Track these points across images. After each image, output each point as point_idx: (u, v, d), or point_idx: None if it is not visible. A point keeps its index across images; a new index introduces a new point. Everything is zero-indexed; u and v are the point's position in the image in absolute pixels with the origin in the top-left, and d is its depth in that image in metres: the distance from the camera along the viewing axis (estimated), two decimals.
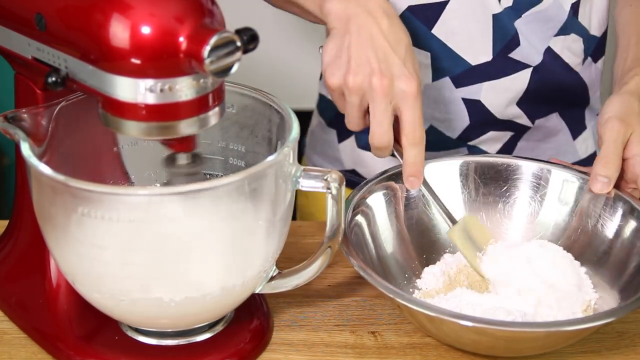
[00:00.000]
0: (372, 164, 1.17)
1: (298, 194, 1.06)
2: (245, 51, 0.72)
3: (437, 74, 1.10)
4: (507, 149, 1.16)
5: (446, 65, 1.09)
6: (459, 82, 1.10)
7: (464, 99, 1.11)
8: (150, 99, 0.72)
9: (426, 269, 0.95)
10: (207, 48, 0.70)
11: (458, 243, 0.94)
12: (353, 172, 1.21)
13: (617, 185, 0.94)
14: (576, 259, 0.94)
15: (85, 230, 0.75)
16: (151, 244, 0.76)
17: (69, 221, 0.76)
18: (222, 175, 0.90)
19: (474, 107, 1.12)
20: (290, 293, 0.89)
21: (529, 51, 1.09)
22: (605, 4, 1.13)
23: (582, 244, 0.95)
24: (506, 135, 1.15)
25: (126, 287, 0.77)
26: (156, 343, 0.84)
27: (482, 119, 1.13)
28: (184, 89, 0.72)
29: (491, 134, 1.14)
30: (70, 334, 0.85)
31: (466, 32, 1.07)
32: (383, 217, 0.95)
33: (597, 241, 0.95)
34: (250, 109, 0.87)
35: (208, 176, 0.91)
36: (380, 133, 0.90)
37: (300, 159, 1.29)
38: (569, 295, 0.89)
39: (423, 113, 0.91)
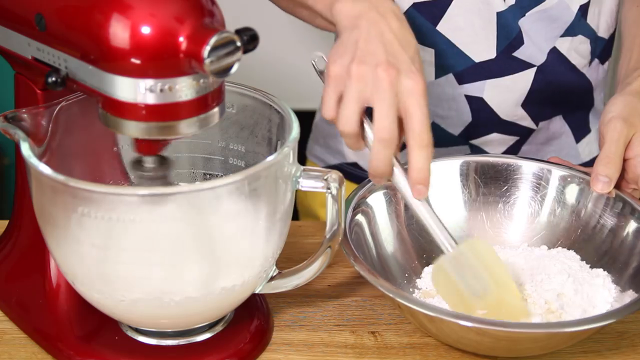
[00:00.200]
0: None
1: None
2: (245, 51, 0.72)
3: (440, 71, 1.10)
4: (510, 152, 1.16)
5: (450, 62, 1.09)
6: (462, 79, 1.10)
7: (466, 96, 1.11)
8: (150, 99, 0.72)
9: (426, 268, 0.95)
10: (207, 48, 0.70)
11: (438, 286, 0.87)
12: (355, 165, 1.21)
13: (617, 186, 0.94)
14: None
15: (85, 230, 0.75)
16: (151, 244, 0.76)
17: (69, 221, 0.76)
18: (222, 175, 0.90)
19: (477, 104, 1.12)
20: (290, 293, 0.89)
21: (533, 50, 1.09)
22: (615, 6, 1.12)
23: (583, 244, 0.95)
24: (511, 139, 1.15)
25: (126, 287, 0.77)
26: (156, 343, 0.84)
27: (485, 117, 1.13)
28: (184, 89, 0.72)
29: (495, 135, 1.14)
30: (70, 334, 0.85)
31: (470, 28, 1.08)
32: (383, 216, 0.95)
33: (598, 241, 0.95)
34: (250, 109, 0.87)
35: (208, 176, 0.91)
36: (387, 124, 0.81)
37: (303, 157, 1.29)
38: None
39: None
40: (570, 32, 1.10)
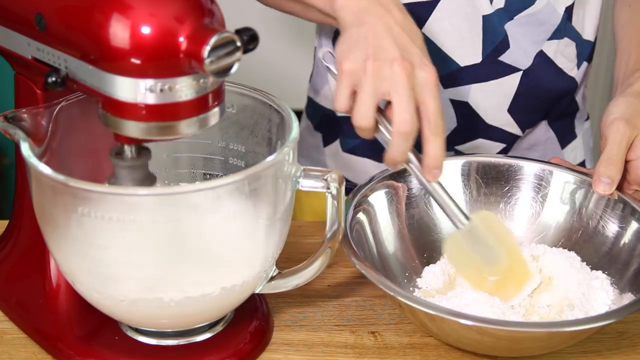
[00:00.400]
0: (359, 168, 1.16)
1: None
2: (245, 51, 0.72)
3: None
4: None
5: (435, 65, 1.08)
6: (447, 83, 1.10)
7: (451, 100, 1.11)
8: (150, 99, 0.72)
9: (427, 268, 0.95)
10: (207, 48, 0.70)
11: (452, 258, 0.91)
12: None
13: (619, 187, 0.94)
14: None
15: (85, 230, 0.75)
16: (151, 244, 0.76)
17: (69, 221, 0.76)
18: (222, 175, 0.90)
19: (462, 109, 1.11)
20: (290, 293, 0.89)
21: (518, 55, 1.09)
22: (599, 8, 1.12)
23: (584, 245, 0.95)
24: (497, 146, 1.15)
25: (126, 287, 0.77)
26: (156, 343, 0.84)
27: (470, 122, 1.12)
28: (184, 89, 0.72)
29: (480, 141, 1.14)
30: (70, 334, 0.85)
31: (456, 32, 1.07)
32: (384, 215, 0.95)
33: (598, 242, 0.95)
34: (250, 109, 0.87)
35: (208, 176, 0.91)
36: (407, 117, 0.83)
37: None
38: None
39: None
40: (556, 35, 1.09)
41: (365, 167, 1.15)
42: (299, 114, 0.85)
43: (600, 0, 1.12)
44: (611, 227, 0.94)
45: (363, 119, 0.85)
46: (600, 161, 0.94)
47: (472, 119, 1.11)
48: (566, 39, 1.11)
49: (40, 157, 0.77)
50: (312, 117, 1.22)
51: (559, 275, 0.90)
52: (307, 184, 0.82)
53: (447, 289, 0.91)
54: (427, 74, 0.85)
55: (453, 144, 1.13)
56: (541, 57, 1.10)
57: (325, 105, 1.19)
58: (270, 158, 0.77)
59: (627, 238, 0.92)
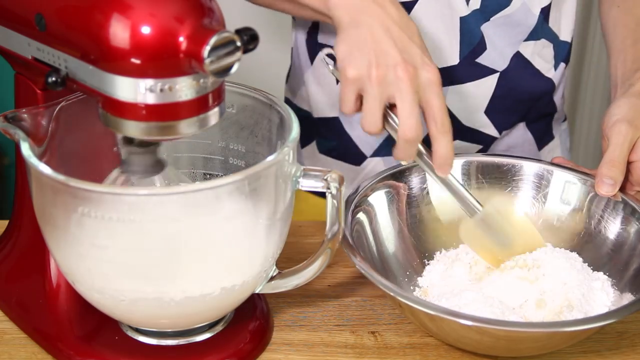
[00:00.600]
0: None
1: None
2: (245, 51, 0.72)
3: None
4: None
5: None
6: None
7: None
8: (150, 99, 0.72)
9: (428, 267, 0.95)
10: (207, 48, 0.70)
11: (470, 242, 0.94)
12: None
13: (622, 188, 0.94)
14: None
15: (85, 230, 0.75)
16: (151, 244, 0.76)
17: (69, 221, 0.76)
18: (222, 175, 0.90)
19: None
20: (290, 293, 0.89)
21: (495, 56, 1.08)
22: (574, 9, 1.12)
23: (584, 245, 0.95)
24: (474, 147, 1.15)
25: (126, 287, 0.77)
26: (156, 343, 0.84)
27: None
28: (184, 89, 0.72)
29: (457, 143, 1.13)
30: (70, 334, 0.85)
31: (434, 34, 1.06)
32: (384, 215, 0.95)
33: (599, 242, 0.95)
34: (250, 109, 0.87)
35: (208, 176, 0.91)
36: (412, 123, 0.85)
37: None
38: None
39: None
40: (533, 36, 1.09)
41: (341, 169, 1.14)
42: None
43: (575, 1, 1.12)
44: (611, 227, 0.94)
45: (371, 125, 0.87)
46: (602, 163, 0.94)
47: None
48: (543, 40, 1.11)
49: (40, 157, 0.77)
50: None
51: (560, 276, 0.90)
52: (307, 184, 0.82)
53: (449, 287, 0.91)
54: (430, 74, 0.86)
55: (430, 145, 1.13)
56: (518, 58, 1.10)
57: (302, 106, 1.18)
58: (270, 158, 0.77)
59: (627, 238, 0.92)
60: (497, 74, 1.09)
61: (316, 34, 1.12)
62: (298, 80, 1.18)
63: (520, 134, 1.17)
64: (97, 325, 0.86)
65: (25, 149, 0.76)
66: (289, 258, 0.94)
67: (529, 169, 0.99)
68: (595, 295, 0.89)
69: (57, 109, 0.81)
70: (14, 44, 0.80)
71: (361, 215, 0.93)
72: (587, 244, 0.95)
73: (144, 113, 0.73)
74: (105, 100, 0.73)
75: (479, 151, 1.15)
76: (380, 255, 0.93)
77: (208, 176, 0.91)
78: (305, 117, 1.18)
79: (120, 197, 0.74)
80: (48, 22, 0.75)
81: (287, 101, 1.21)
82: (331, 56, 0.90)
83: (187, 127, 0.74)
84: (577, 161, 1.02)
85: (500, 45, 1.08)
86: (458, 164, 0.99)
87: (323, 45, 1.12)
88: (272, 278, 0.85)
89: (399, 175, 0.96)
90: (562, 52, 1.14)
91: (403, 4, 1.04)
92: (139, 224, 0.75)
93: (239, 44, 0.71)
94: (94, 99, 0.75)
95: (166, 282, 0.77)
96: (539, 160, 1.00)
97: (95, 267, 0.77)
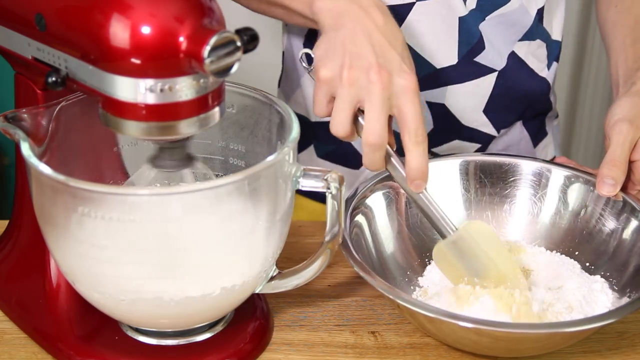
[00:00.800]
0: None
1: None
2: (245, 51, 0.72)
3: None
4: None
5: None
6: (423, 86, 1.07)
7: (428, 102, 1.10)
8: (150, 99, 0.72)
9: (428, 267, 0.95)
10: (207, 48, 0.70)
11: (440, 265, 0.90)
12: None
13: (623, 188, 0.94)
14: (577, 259, 0.94)
15: (85, 230, 0.75)
16: (151, 244, 0.76)
17: (69, 221, 0.76)
18: (222, 175, 0.90)
19: (438, 111, 1.10)
20: (290, 293, 0.89)
21: (493, 55, 1.08)
22: (564, 8, 1.13)
23: (584, 245, 0.95)
24: (473, 146, 1.15)
25: (126, 287, 0.77)
26: (156, 343, 0.84)
27: (446, 124, 1.11)
28: (184, 89, 0.72)
29: (456, 142, 1.13)
30: (70, 334, 0.85)
31: (433, 34, 1.06)
32: (383, 216, 0.95)
33: (598, 241, 0.95)
34: (250, 109, 0.87)
35: (208, 176, 0.91)
36: (377, 129, 0.83)
37: None
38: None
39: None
40: (528, 36, 1.09)
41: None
42: (299, 114, 0.85)
43: (565, 0, 1.12)
44: (611, 226, 0.94)
45: (339, 127, 0.85)
46: (603, 162, 0.94)
47: (449, 120, 1.11)
48: (538, 41, 1.11)
49: (40, 157, 0.77)
50: None
51: (559, 280, 0.90)
52: (307, 184, 0.82)
53: (451, 286, 0.91)
54: (406, 81, 0.83)
55: (429, 146, 1.13)
56: (513, 58, 1.10)
57: (297, 110, 1.18)
58: (270, 158, 0.77)
59: (627, 237, 0.92)
60: (496, 73, 1.09)
61: (314, 38, 1.12)
62: (292, 84, 1.17)
63: (518, 132, 1.17)
64: (97, 325, 0.86)
65: (25, 149, 0.76)
66: (289, 258, 0.94)
67: (527, 168, 0.99)
68: (595, 297, 0.89)
69: (57, 109, 0.81)
70: (14, 44, 0.80)
71: (360, 218, 0.93)
72: (587, 244, 0.95)
73: (144, 113, 0.73)
74: (105, 100, 0.73)
75: (477, 150, 1.15)
76: (379, 256, 0.93)
77: (208, 176, 0.91)
78: (301, 122, 1.17)
79: (120, 197, 0.74)
80: (48, 22, 0.75)
81: None
82: (309, 57, 0.89)
83: (187, 127, 0.74)
84: (577, 161, 1.02)
85: (498, 44, 1.08)
86: (455, 163, 0.99)
87: None
88: (272, 278, 0.85)
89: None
90: (554, 52, 1.14)
91: (402, 5, 1.04)
92: (139, 224, 0.75)
93: (239, 44, 0.71)
94: (94, 99, 0.75)
95: (166, 282, 0.77)
96: (538, 159, 1.00)
97: (95, 267, 0.77)
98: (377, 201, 0.95)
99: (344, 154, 1.15)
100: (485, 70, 1.09)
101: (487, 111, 1.11)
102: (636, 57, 1.04)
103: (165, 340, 0.84)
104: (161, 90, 0.72)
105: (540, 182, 0.99)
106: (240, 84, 0.87)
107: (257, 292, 0.85)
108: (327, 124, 1.13)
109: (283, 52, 1.18)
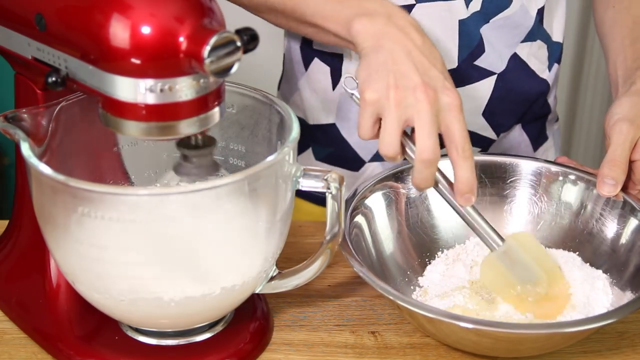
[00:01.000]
0: None
1: None
2: (245, 51, 0.72)
3: None
4: None
5: None
6: None
7: None
8: (150, 99, 0.72)
9: (429, 267, 0.95)
10: (207, 48, 0.70)
11: (487, 277, 0.90)
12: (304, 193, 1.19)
13: (624, 187, 0.94)
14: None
15: (85, 230, 0.75)
16: (151, 244, 0.76)
17: (69, 221, 0.76)
18: (222, 175, 0.90)
19: None
20: (290, 293, 0.89)
21: (493, 58, 1.08)
22: (564, 10, 1.12)
23: (583, 244, 0.95)
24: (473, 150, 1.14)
25: (126, 287, 0.77)
26: (156, 343, 0.84)
27: None
28: (184, 89, 0.72)
29: None
30: (70, 334, 0.85)
31: (432, 37, 1.05)
32: (383, 217, 0.95)
33: (598, 241, 0.95)
34: (250, 109, 0.87)
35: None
36: (430, 145, 0.83)
37: None
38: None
39: None
40: (530, 37, 1.09)
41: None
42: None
43: (565, 2, 1.12)
44: (611, 226, 0.94)
45: (389, 148, 0.85)
46: (604, 162, 0.94)
47: None
48: (539, 41, 1.11)
49: (40, 157, 0.77)
50: None
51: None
52: (307, 184, 0.82)
53: (450, 287, 0.91)
54: (451, 99, 0.84)
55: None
56: (515, 60, 1.10)
57: (295, 113, 1.17)
58: (270, 158, 0.77)
59: (627, 237, 0.92)
60: (495, 76, 1.09)
61: (311, 40, 1.12)
62: (291, 87, 1.17)
63: (517, 136, 1.17)
64: (97, 325, 0.86)
65: (25, 149, 0.76)
66: (289, 258, 0.94)
67: (527, 168, 0.99)
68: (596, 296, 0.89)
69: (57, 109, 0.81)
70: (14, 44, 0.80)
71: (359, 218, 0.93)
72: (587, 243, 0.95)
73: (144, 113, 0.73)
74: (105, 100, 0.73)
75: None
76: (379, 256, 0.93)
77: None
78: (299, 125, 1.17)
79: (120, 197, 0.74)
80: (48, 22, 0.75)
81: None
82: (350, 82, 0.89)
83: (187, 127, 0.74)
84: (577, 161, 1.02)
85: (499, 47, 1.08)
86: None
87: (318, 52, 1.11)
88: (272, 278, 0.85)
89: (397, 176, 0.96)
90: (556, 53, 1.14)
91: (402, 7, 1.04)
92: (139, 224, 0.75)
93: (239, 44, 0.71)
94: (94, 99, 0.75)
95: (166, 282, 0.77)
96: (537, 159, 1.00)
97: (95, 267, 0.77)
98: (376, 201, 0.95)
99: (342, 156, 1.15)
100: (485, 73, 1.09)
101: (486, 114, 1.11)
102: (635, 56, 1.03)
103: (165, 340, 0.84)
104: (161, 90, 0.72)
105: (540, 182, 0.99)
106: (240, 84, 0.87)
107: (257, 292, 0.85)
108: (325, 126, 1.13)
109: (284, 54, 1.18)
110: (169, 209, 0.75)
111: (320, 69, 1.11)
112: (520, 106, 1.14)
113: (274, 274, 0.85)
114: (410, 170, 0.95)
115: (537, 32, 1.10)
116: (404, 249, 0.96)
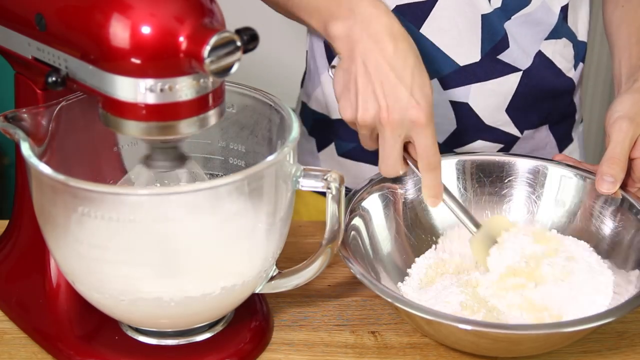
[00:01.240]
0: (355, 172, 1.15)
1: None
2: (245, 51, 0.72)
3: None
4: None
5: (435, 66, 1.08)
6: (446, 84, 1.09)
7: (451, 102, 1.10)
8: (150, 99, 0.72)
9: (417, 259, 0.95)
10: (207, 48, 0.70)
11: (477, 256, 0.93)
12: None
13: (623, 185, 0.94)
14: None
15: (85, 230, 0.75)
16: (151, 244, 0.76)
17: (69, 221, 0.76)
18: (222, 175, 0.90)
19: (462, 110, 1.10)
20: (290, 293, 0.89)
21: (519, 54, 1.08)
22: (588, 10, 1.13)
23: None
24: (496, 147, 1.15)
25: (126, 287, 0.77)
26: (156, 343, 0.84)
27: (470, 124, 1.11)
28: (184, 88, 0.72)
29: (479, 143, 1.13)
30: (70, 334, 0.85)
31: (455, 30, 1.06)
32: (380, 218, 0.95)
33: (597, 239, 0.95)
34: (250, 109, 0.87)
35: (208, 176, 0.91)
36: (388, 165, 0.91)
37: None
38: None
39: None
40: (554, 34, 1.09)
41: (361, 171, 1.14)
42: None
43: (589, 3, 1.12)
44: (610, 224, 0.94)
45: (368, 149, 0.94)
46: (603, 160, 0.94)
47: (472, 120, 1.11)
48: (564, 39, 1.11)
49: (40, 157, 0.77)
50: (306, 122, 1.21)
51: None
52: (307, 184, 0.82)
53: (435, 278, 0.92)
54: (415, 116, 0.88)
55: (452, 146, 1.13)
56: (540, 57, 1.10)
57: (317, 109, 1.18)
58: (270, 158, 0.77)
59: (625, 234, 0.92)
60: (520, 72, 1.09)
61: None
62: (313, 83, 1.18)
63: (544, 136, 1.17)
64: (97, 325, 0.86)
65: (25, 149, 0.76)
66: (289, 258, 0.94)
67: (524, 166, 0.99)
68: (596, 296, 0.89)
69: (57, 109, 0.81)
70: (14, 44, 0.80)
71: (357, 220, 0.93)
72: (586, 241, 0.95)
73: (144, 113, 0.73)
74: (106, 100, 0.73)
75: (500, 150, 1.15)
76: (376, 258, 0.93)
77: (208, 176, 0.91)
78: (321, 120, 1.18)
79: (120, 197, 0.74)
80: (48, 22, 0.75)
81: (304, 105, 1.21)
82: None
83: (187, 127, 0.74)
84: (577, 159, 1.02)
85: (523, 43, 1.08)
86: (451, 163, 0.99)
87: None
88: (272, 278, 0.85)
89: (394, 178, 0.96)
90: (581, 52, 1.14)
91: (424, 2, 1.05)
92: (139, 224, 0.75)
93: (239, 43, 0.71)
94: (94, 98, 0.75)
95: (166, 282, 0.77)
96: (535, 157, 1.00)
97: (95, 267, 0.77)
98: (373, 203, 0.95)
99: (365, 151, 1.15)
100: (510, 69, 1.09)
101: (509, 110, 1.11)
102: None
103: (165, 340, 0.84)
104: (161, 90, 0.72)
105: (538, 180, 0.99)
106: (240, 84, 0.87)
107: (257, 292, 0.85)
108: None
109: (306, 51, 1.19)
110: (169, 209, 0.75)
111: None
112: (544, 103, 1.14)
113: (274, 273, 0.85)
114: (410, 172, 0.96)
115: (561, 29, 1.10)
116: (402, 249, 0.96)
